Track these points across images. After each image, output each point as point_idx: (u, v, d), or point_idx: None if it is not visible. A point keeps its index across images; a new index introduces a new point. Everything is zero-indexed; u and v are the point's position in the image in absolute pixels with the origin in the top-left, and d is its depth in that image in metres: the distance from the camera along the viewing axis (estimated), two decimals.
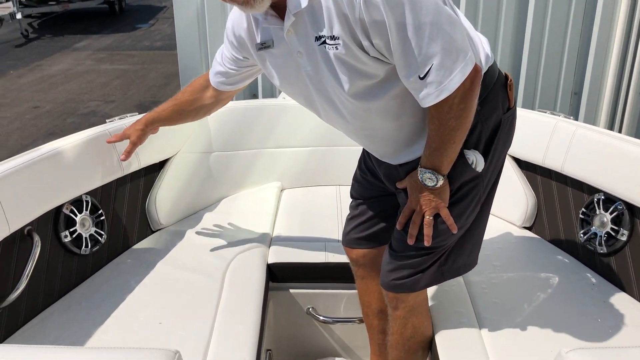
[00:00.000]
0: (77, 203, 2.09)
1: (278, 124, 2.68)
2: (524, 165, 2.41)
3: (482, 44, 1.50)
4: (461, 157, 1.48)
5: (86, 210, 2.11)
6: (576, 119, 3.38)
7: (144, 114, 2.09)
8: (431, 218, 1.52)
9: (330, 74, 1.42)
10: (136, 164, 2.29)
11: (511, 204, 2.39)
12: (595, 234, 2.11)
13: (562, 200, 2.26)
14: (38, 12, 14.01)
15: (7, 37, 12.23)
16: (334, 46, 1.35)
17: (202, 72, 3.48)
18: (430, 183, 1.48)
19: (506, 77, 1.55)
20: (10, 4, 12.66)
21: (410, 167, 1.57)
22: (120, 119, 2.35)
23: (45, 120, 6.78)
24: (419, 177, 1.49)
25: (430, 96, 1.33)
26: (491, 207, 1.67)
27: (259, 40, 1.51)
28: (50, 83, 8.51)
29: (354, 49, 1.34)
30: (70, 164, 2.02)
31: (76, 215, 2.07)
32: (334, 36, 1.34)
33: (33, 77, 8.92)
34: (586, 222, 2.16)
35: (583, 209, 2.16)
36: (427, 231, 1.53)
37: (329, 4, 1.31)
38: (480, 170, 1.51)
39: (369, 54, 1.35)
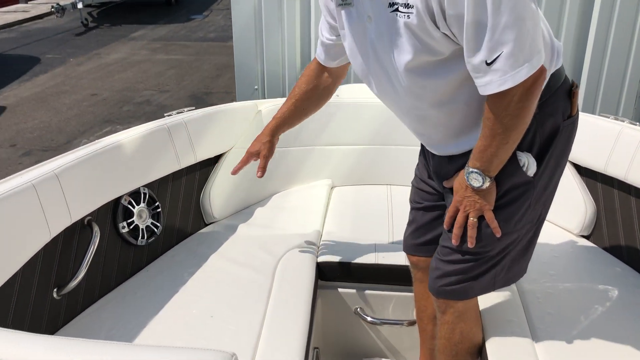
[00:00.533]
0: (135, 195, 2.14)
1: (331, 122, 2.68)
2: (583, 172, 2.33)
3: (555, 46, 1.45)
4: (512, 158, 1.42)
5: (143, 202, 2.16)
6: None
7: (266, 125, 2.02)
8: (475, 220, 1.47)
9: (393, 44, 1.37)
10: (192, 158, 2.33)
11: (569, 211, 2.32)
12: None
13: (625, 210, 2.17)
14: (98, 2, 14.40)
15: (68, 25, 12.63)
16: (406, 14, 1.30)
17: (258, 69, 3.54)
18: (476, 183, 1.42)
19: (572, 83, 1.50)
20: None
21: (460, 164, 1.52)
22: (177, 113, 2.39)
23: (101, 108, 6.98)
24: (465, 176, 1.43)
25: (492, 84, 1.27)
26: (545, 218, 1.60)
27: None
28: (107, 71, 8.75)
29: (425, 20, 1.28)
30: (130, 156, 2.07)
31: (134, 207, 2.13)
32: (408, 4, 1.29)
33: (92, 65, 9.18)
34: None
35: None
36: (471, 232, 1.48)
37: None
38: (531, 175, 1.45)
39: (439, 29, 1.29)
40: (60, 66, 9.11)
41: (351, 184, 2.77)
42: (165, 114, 2.36)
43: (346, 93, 2.78)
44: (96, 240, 1.90)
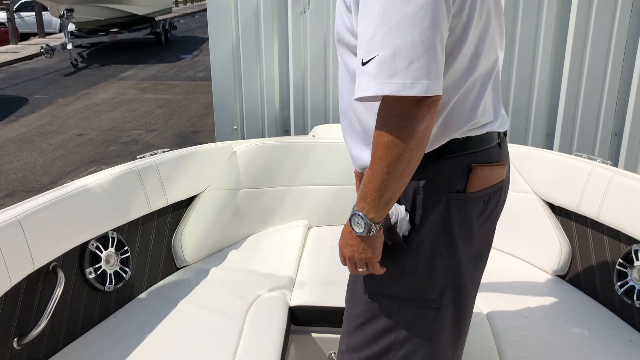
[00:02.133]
0: (103, 239, 2.11)
1: (307, 162, 2.67)
2: (558, 211, 2.33)
3: (475, 114, 1.26)
4: None
5: (112, 246, 2.13)
6: (616, 162, 3.27)
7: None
8: (364, 270, 1.27)
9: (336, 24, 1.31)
10: (163, 201, 2.31)
11: (544, 251, 2.31)
12: (633, 287, 2.00)
13: (598, 250, 2.16)
14: (88, 43, 14.60)
15: (58, 66, 12.73)
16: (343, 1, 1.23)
17: (237, 109, 3.56)
18: (358, 229, 1.20)
19: (483, 161, 1.28)
20: (62, 34, 13.20)
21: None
22: (151, 154, 2.37)
23: (88, 148, 6.97)
24: (349, 218, 1.23)
25: (359, 87, 1.10)
26: (464, 307, 1.35)
27: None
28: (95, 111, 8.77)
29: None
30: (98, 200, 2.04)
31: (102, 252, 2.09)
32: None
33: (80, 105, 9.21)
34: (623, 273, 2.06)
35: (620, 260, 2.06)
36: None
37: None
38: (401, 232, 1.26)
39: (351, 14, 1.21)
40: (48, 106, 9.14)
41: (328, 224, 2.75)
42: (138, 157, 2.34)
43: (322, 133, 2.78)
44: (61, 287, 1.85)
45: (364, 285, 1.35)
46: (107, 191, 2.07)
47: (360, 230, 1.19)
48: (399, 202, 1.26)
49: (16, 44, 16.00)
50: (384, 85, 1.07)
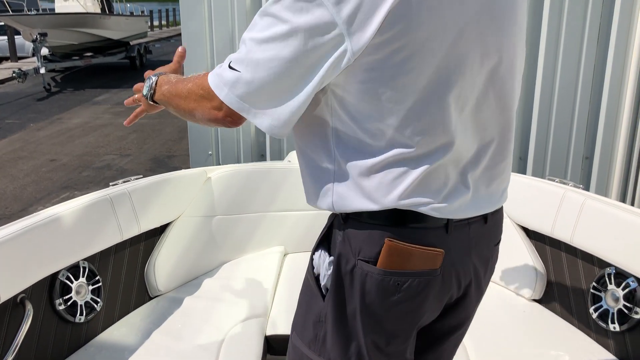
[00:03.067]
0: (74, 269, 2.06)
1: (282, 188, 2.66)
2: (532, 235, 2.34)
3: (395, 180, 1.13)
4: (313, 253, 1.25)
5: (83, 276, 2.08)
6: (587, 185, 3.32)
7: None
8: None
9: None
10: (136, 229, 2.27)
11: (519, 275, 2.32)
12: (608, 310, 2.02)
13: (572, 273, 2.18)
14: (61, 67, 14.48)
15: (30, 90, 12.58)
16: None
17: (212, 134, 3.53)
18: (144, 90, 1.37)
19: (394, 241, 1.13)
20: (35, 58, 13.08)
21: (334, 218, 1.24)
22: (124, 182, 2.33)
23: (60, 174, 6.87)
24: (150, 79, 1.39)
25: (216, 81, 1.14)
26: None
27: None
28: (68, 136, 8.66)
29: None
30: (69, 230, 2.00)
31: (72, 282, 2.04)
32: None
33: (52, 130, 9.10)
34: (598, 297, 2.07)
35: (594, 283, 2.08)
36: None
37: None
38: (320, 281, 1.22)
39: None
40: (20, 131, 9.00)
41: (304, 250, 2.72)
42: (110, 184, 2.30)
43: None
44: (28, 320, 1.80)
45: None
46: (78, 220, 2.03)
47: (144, 92, 1.37)
48: (330, 251, 1.21)
49: None
50: (229, 95, 1.11)
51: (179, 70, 1.46)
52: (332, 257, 1.19)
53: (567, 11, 3.11)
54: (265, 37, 1.05)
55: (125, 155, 7.61)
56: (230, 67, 1.11)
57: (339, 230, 1.18)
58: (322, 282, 1.22)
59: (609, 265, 2.02)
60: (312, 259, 1.26)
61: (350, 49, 1.02)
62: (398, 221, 1.14)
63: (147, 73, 1.44)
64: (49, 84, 12.59)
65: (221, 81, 1.12)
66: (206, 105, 1.16)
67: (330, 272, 1.20)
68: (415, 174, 1.11)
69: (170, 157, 7.53)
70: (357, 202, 1.14)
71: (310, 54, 1.04)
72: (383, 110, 1.08)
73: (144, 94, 1.36)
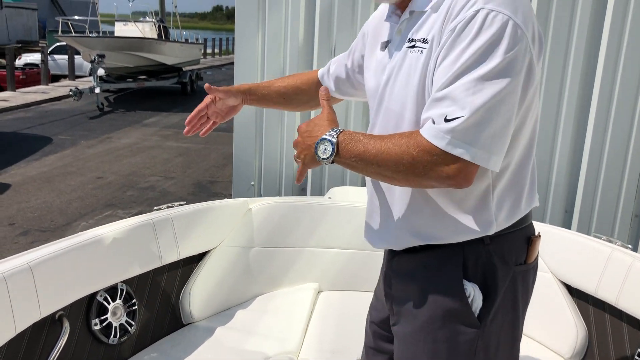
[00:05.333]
0: (112, 291, 2.09)
1: (322, 224, 2.65)
2: (575, 293, 2.27)
3: (534, 189, 1.34)
4: (457, 285, 1.27)
5: (120, 298, 2.11)
6: (636, 245, 3.21)
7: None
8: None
9: (397, 83, 1.29)
10: (175, 255, 2.29)
11: (559, 333, 2.23)
12: None
13: (616, 337, 2.09)
14: (115, 88, 14.96)
15: (84, 108, 13.02)
16: (420, 50, 1.24)
17: (256, 165, 3.58)
18: (321, 153, 1.24)
19: (535, 233, 1.37)
20: (91, 78, 13.58)
21: (399, 264, 1.37)
22: (167, 207, 2.37)
23: (105, 191, 7.03)
24: (315, 144, 1.25)
25: (431, 129, 1.14)
26: None
27: (385, 39, 1.39)
28: (116, 155, 8.90)
29: (433, 57, 1.20)
30: (111, 251, 2.03)
31: (109, 303, 2.07)
32: (425, 39, 1.24)
33: (102, 148, 9.36)
34: None
35: (639, 349, 1.99)
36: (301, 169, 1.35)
37: (447, 4, 1.20)
38: (475, 310, 1.27)
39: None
40: (71, 147, 9.30)
41: (338, 289, 2.70)
42: (154, 208, 2.35)
43: (338, 195, 2.77)
44: (65, 337, 1.83)
45: None
46: (120, 242, 2.07)
47: (324, 157, 1.24)
48: (469, 279, 1.28)
49: (47, 85, 16.46)
50: (454, 144, 1.12)
51: (334, 114, 1.35)
52: (475, 283, 1.28)
53: (622, 66, 3.06)
54: (484, 78, 1.12)
55: (170, 178, 7.76)
56: (447, 119, 1.12)
57: (483, 252, 1.28)
58: (476, 311, 1.28)
59: None
60: (458, 291, 1.28)
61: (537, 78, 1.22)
62: (529, 217, 1.36)
63: (306, 129, 1.31)
64: (102, 104, 13.00)
65: (442, 132, 1.12)
66: (428, 162, 1.14)
67: (480, 298, 1.28)
68: (534, 175, 1.34)
69: (212, 183, 7.64)
70: (518, 212, 1.30)
71: (519, 85, 1.16)
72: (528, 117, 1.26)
73: (324, 157, 1.23)
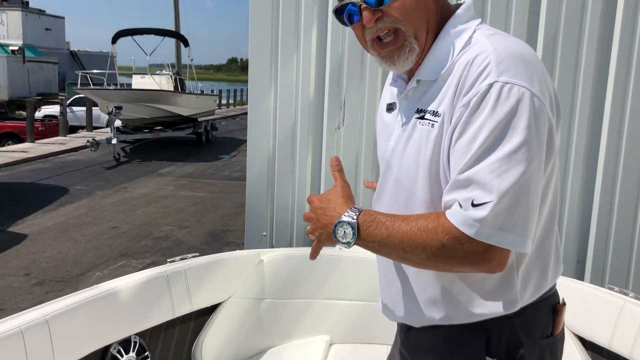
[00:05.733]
0: (126, 343, 2.11)
1: (333, 275, 2.67)
2: (589, 346, 2.25)
3: (559, 260, 1.31)
4: None
5: (133, 351, 2.12)
6: None
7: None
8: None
9: (406, 154, 1.25)
10: (188, 307, 2.32)
11: None
12: None
13: None
14: (132, 138, 15.22)
15: (101, 159, 13.26)
16: (430, 123, 1.19)
17: (267, 216, 3.62)
18: (341, 238, 1.18)
19: (560, 301, 1.32)
20: (108, 129, 13.86)
21: (417, 338, 1.32)
22: (181, 259, 2.41)
23: (120, 241, 7.10)
24: (337, 221, 1.19)
25: (458, 214, 1.09)
26: None
27: (390, 100, 1.38)
28: (131, 205, 9.00)
29: (445, 133, 1.16)
30: (125, 304, 2.07)
31: (122, 356, 2.08)
32: (436, 112, 1.19)
33: (117, 198, 9.49)
34: None
35: None
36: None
37: (457, 75, 1.16)
38: None
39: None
40: (87, 197, 9.43)
41: (350, 342, 2.69)
42: (168, 260, 2.38)
43: None
44: None
45: None
46: (134, 295, 2.10)
47: (344, 241, 1.18)
48: (492, 355, 1.22)
49: (65, 136, 16.82)
50: (484, 230, 1.07)
51: (349, 188, 1.30)
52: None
53: (628, 114, 3.10)
54: (508, 157, 1.07)
55: (183, 227, 7.82)
56: (474, 204, 1.08)
57: (507, 328, 1.22)
58: None
59: None
60: None
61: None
62: (552, 289, 1.30)
63: (320, 206, 1.25)
64: (118, 154, 13.24)
65: (472, 219, 1.07)
66: (458, 250, 1.09)
67: None
68: (558, 245, 1.29)
69: (225, 232, 7.69)
70: (544, 283, 1.25)
71: (543, 159, 1.13)
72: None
73: (344, 242, 1.18)
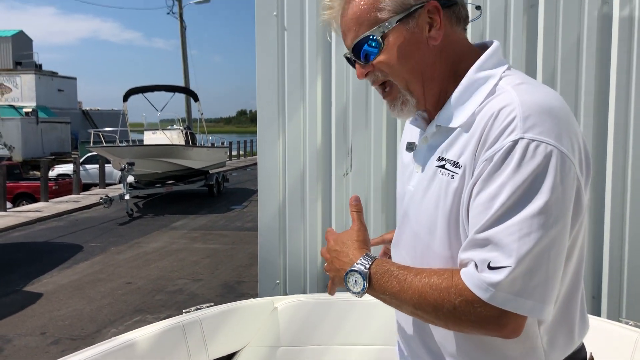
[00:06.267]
0: None
1: (346, 321, 2.68)
2: None
3: (586, 317, 1.26)
4: None
5: None
6: None
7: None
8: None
9: (424, 202, 1.21)
10: (204, 357, 2.33)
11: None
12: None
13: None
14: (144, 194, 15.39)
15: (114, 215, 13.38)
16: (450, 174, 1.15)
17: (280, 264, 3.66)
18: (352, 286, 1.16)
19: (586, 355, 1.29)
20: (121, 185, 14.04)
21: None
22: (196, 309, 2.44)
23: (135, 297, 7.12)
24: (348, 270, 1.18)
25: (474, 278, 1.05)
26: None
27: (410, 139, 1.35)
28: (145, 260, 9.05)
29: (466, 186, 1.11)
30: (142, 355, 2.09)
31: None
32: (457, 163, 1.14)
33: (131, 253, 9.55)
34: None
35: None
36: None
37: (480, 127, 1.11)
38: None
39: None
40: (101, 254, 9.50)
41: None
42: (183, 311, 2.41)
43: None
44: None
45: None
46: (151, 346, 2.12)
47: (355, 290, 1.17)
48: None
49: (78, 194, 17.04)
50: (499, 295, 1.03)
51: (365, 231, 1.29)
52: None
53: (631, 148, 3.15)
54: (530, 220, 1.02)
55: (197, 280, 7.83)
56: (490, 267, 1.03)
57: None
58: None
59: None
60: None
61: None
62: (581, 345, 1.25)
63: (334, 247, 1.25)
64: (131, 210, 13.36)
65: (487, 283, 1.03)
66: (470, 314, 1.06)
67: None
68: (583, 303, 1.25)
69: (239, 283, 7.69)
70: (571, 344, 1.21)
71: (569, 222, 1.07)
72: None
73: (355, 291, 1.17)
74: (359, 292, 1.16)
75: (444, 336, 1.22)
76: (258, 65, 3.47)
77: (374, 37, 1.18)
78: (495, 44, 1.23)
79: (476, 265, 1.05)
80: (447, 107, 1.20)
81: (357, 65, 1.23)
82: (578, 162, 1.08)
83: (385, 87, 1.24)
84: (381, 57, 1.19)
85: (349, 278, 1.17)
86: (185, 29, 27.69)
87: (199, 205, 14.91)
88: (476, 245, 1.06)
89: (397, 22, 1.17)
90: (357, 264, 1.17)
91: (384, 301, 1.17)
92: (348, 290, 1.18)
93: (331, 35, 3.37)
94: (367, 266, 1.16)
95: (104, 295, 7.21)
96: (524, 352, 1.15)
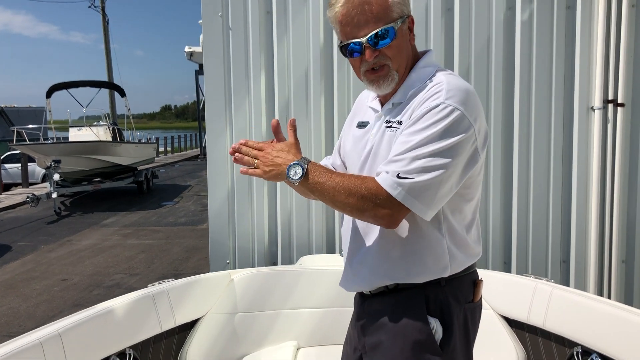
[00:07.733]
0: (122, 356, 2.38)
1: (296, 287, 3.02)
2: (513, 324, 2.70)
3: (475, 238, 1.69)
4: (423, 320, 1.57)
5: None
6: (567, 285, 3.67)
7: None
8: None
9: (378, 156, 1.62)
10: (172, 322, 2.61)
11: (502, 359, 2.63)
12: None
13: (548, 355, 2.50)
14: (71, 192, 14.98)
15: (42, 214, 13.03)
16: (394, 129, 1.59)
17: (230, 245, 3.94)
18: (293, 175, 1.55)
19: (478, 278, 1.73)
20: (46, 184, 13.65)
21: (370, 306, 1.69)
22: (159, 283, 2.71)
23: (72, 292, 7.09)
24: (288, 166, 1.55)
25: (382, 174, 1.49)
26: None
27: (362, 119, 1.76)
28: (78, 257, 8.96)
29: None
30: (119, 320, 2.35)
31: None
32: (400, 121, 1.58)
33: (63, 251, 9.41)
34: None
35: None
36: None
37: (418, 97, 1.57)
38: (437, 340, 1.57)
39: None
40: (31, 253, 9.32)
41: (315, 345, 3.03)
42: (148, 285, 2.68)
43: (308, 262, 3.17)
44: None
45: None
46: (127, 312, 2.39)
47: (295, 178, 1.54)
48: (431, 315, 1.60)
49: (0, 194, 16.41)
50: (408, 199, 1.47)
51: (298, 143, 1.66)
52: (436, 318, 1.59)
53: (533, 130, 3.64)
54: (435, 153, 1.46)
55: (134, 274, 7.87)
56: (399, 176, 1.47)
57: (440, 293, 1.61)
58: (438, 341, 1.58)
59: (576, 344, 2.37)
60: (424, 325, 1.59)
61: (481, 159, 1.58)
62: (474, 265, 1.71)
63: (275, 149, 1.60)
64: (59, 208, 13.04)
65: (396, 183, 1.47)
66: (370, 203, 1.48)
67: (440, 330, 1.59)
68: (478, 231, 1.71)
69: (177, 276, 7.75)
70: (467, 260, 1.64)
71: (461, 164, 1.51)
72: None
73: (293, 178, 1.55)
74: (297, 179, 1.54)
75: (379, 252, 1.64)
76: (205, 62, 3.74)
77: (392, 29, 1.58)
78: (431, 49, 1.75)
79: (387, 173, 1.48)
80: (401, 89, 1.65)
81: (367, 51, 1.59)
82: (477, 129, 1.52)
83: (378, 68, 1.63)
84: (393, 44, 1.60)
85: (291, 169, 1.55)
86: (108, 23, 27.02)
87: (129, 203, 14.72)
88: (392, 162, 1.50)
89: (401, 22, 1.60)
90: (299, 160, 1.57)
91: (312, 190, 1.56)
92: (287, 178, 1.55)
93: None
94: (306, 162, 1.56)
95: (40, 292, 7.14)
96: (435, 260, 1.60)
